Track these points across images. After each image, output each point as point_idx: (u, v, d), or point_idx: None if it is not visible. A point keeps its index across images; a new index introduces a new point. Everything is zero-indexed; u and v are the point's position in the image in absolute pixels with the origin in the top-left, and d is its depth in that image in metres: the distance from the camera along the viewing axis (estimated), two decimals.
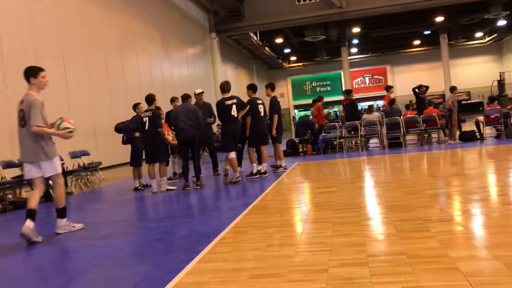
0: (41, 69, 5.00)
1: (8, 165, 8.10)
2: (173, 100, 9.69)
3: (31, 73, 4.96)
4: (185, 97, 8.18)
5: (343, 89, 21.70)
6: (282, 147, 9.77)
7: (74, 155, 9.81)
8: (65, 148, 5.27)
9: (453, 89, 12.83)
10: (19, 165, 8.26)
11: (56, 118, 5.12)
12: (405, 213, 4.42)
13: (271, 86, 9.31)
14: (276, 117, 8.82)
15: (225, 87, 8.27)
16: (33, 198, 4.93)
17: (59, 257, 4.28)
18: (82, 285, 3.31)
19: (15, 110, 8.34)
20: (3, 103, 8.65)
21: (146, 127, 7.93)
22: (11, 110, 8.75)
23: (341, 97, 22.76)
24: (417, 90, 14.08)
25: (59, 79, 10.37)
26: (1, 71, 8.70)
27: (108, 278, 3.34)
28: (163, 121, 8.86)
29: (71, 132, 5.08)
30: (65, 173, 8.22)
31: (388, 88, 14.49)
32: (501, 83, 28.89)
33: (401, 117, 12.34)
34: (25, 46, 9.33)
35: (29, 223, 4.72)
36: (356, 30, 27.37)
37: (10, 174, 8.05)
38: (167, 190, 7.90)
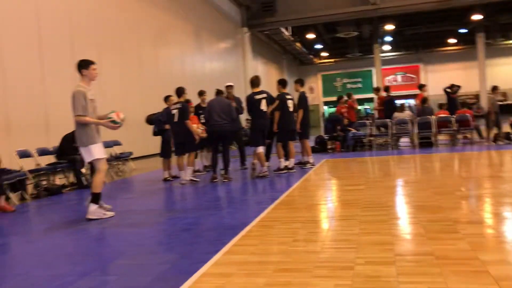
0: (91, 62, 5.41)
1: (43, 152, 8.35)
2: (201, 93, 9.78)
3: (83, 65, 5.38)
4: (219, 92, 8.35)
5: (374, 86, 21.44)
6: (311, 143, 9.72)
7: (107, 145, 10.00)
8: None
9: (493, 89, 12.53)
10: (54, 152, 8.53)
11: (109, 111, 5.46)
12: (434, 213, 4.35)
13: (300, 82, 9.32)
14: (301, 112, 8.79)
15: (255, 81, 8.30)
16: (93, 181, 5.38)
17: (89, 243, 4.40)
18: (112, 271, 3.40)
19: (51, 102, 8.67)
20: (40, 95, 8.94)
21: (176, 119, 8.01)
22: (47, 102, 9.04)
23: (372, 95, 22.56)
24: (448, 90, 13.77)
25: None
26: (40, 65, 8.99)
27: (137, 265, 3.42)
28: (192, 114, 8.96)
29: (114, 122, 5.35)
30: None
31: (421, 87, 14.22)
32: None
33: (433, 116, 12.11)
34: (63, 42, 9.61)
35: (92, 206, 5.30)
36: (389, 27, 26.86)
37: (45, 161, 8.29)
38: (191, 180, 7.99)
